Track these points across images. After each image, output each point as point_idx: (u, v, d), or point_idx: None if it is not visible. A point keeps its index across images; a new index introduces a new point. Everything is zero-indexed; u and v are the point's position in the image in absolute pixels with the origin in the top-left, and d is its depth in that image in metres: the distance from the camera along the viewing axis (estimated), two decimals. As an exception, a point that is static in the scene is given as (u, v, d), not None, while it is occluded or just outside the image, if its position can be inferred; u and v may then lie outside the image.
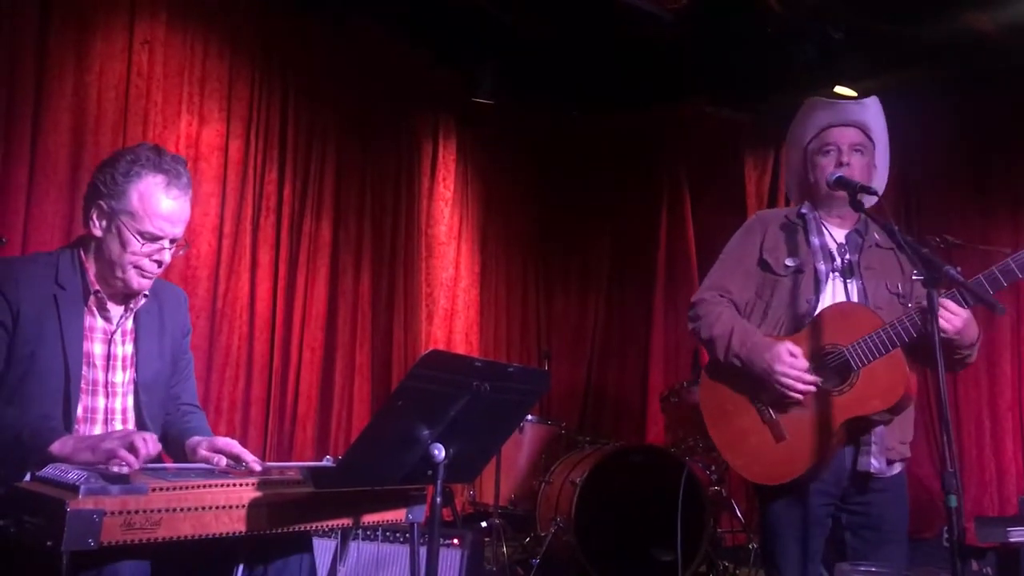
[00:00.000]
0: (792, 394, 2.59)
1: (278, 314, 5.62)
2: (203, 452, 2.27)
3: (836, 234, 2.81)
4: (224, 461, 2.22)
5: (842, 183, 2.67)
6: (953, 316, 2.49)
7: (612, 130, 7.46)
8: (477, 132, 7.11)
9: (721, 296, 2.83)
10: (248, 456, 2.22)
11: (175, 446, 2.44)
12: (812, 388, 2.59)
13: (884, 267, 2.77)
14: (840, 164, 2.76)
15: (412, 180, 6.61)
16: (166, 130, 5.04)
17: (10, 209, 4.36)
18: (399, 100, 6.53)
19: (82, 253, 2.34)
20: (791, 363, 2.59)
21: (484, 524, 5.41)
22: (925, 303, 2.33)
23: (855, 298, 2.71)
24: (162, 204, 2.28)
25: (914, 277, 2.49)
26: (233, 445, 2.26)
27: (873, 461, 2.62)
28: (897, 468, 2.70)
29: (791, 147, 2.99)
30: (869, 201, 2.76)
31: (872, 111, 2.88)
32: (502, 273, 7.36)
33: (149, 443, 2.01)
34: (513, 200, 7.48)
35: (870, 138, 2.86)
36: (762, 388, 2.66)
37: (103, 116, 4.75)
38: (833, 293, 2.72)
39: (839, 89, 5.91)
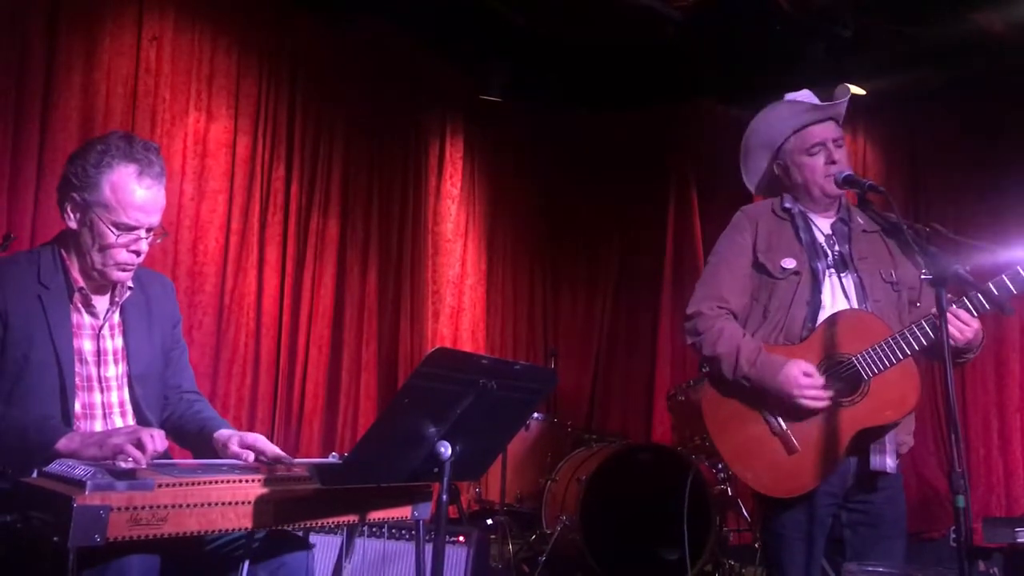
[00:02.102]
0: (813, 408, 2.57)
1: (285, 311, 5.63)
2: (234, 448, 2.26)
3: (822, 225, 2.78)
4: (252, 457, 2.22)
5: (851, 182, 2.65)
6: (965, 327, 2.47)
7: (620, 129, 7.45)
8: (485, 130, 7.11)
9: (720, 307, 2.76)
10: (277, 451, 2.21)
11: (192, 438, 2.42)
12: (828, 403, 2.56)
13: (875, 254, 2.74)
14: (832, 162, 2.71)
15: (419, 178, 6.62)
16: (174, 127, 5.05)
17: (19, 206, 4.37)
18: (407, 98, 6.53)
19: (63, 250, 2.31)
20: (808, 383, 2.54)
21: (490, 522, 5.41)
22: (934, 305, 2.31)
23: (852, 294, 2.67)
24: (136, 194, 2.24)
25: (922, 276, 2.48)
26: (262, 441, 2.25)
27: (888, 460, 2.59)
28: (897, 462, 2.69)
29: (757, 148, 2.90)
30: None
31: (845, 103, 2.83)
32: (509, 271, 7.36)
33: (156, 439, 2.01)
34: (520, 198, 7.48)
35: (840, 126, 2.82)
36: (771, 401, 2.62)
37: (111, 113, 4.76)
38: (832, 292, 2.68)
39: (847, 87, 5.88)
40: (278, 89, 5.66)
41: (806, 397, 2.55)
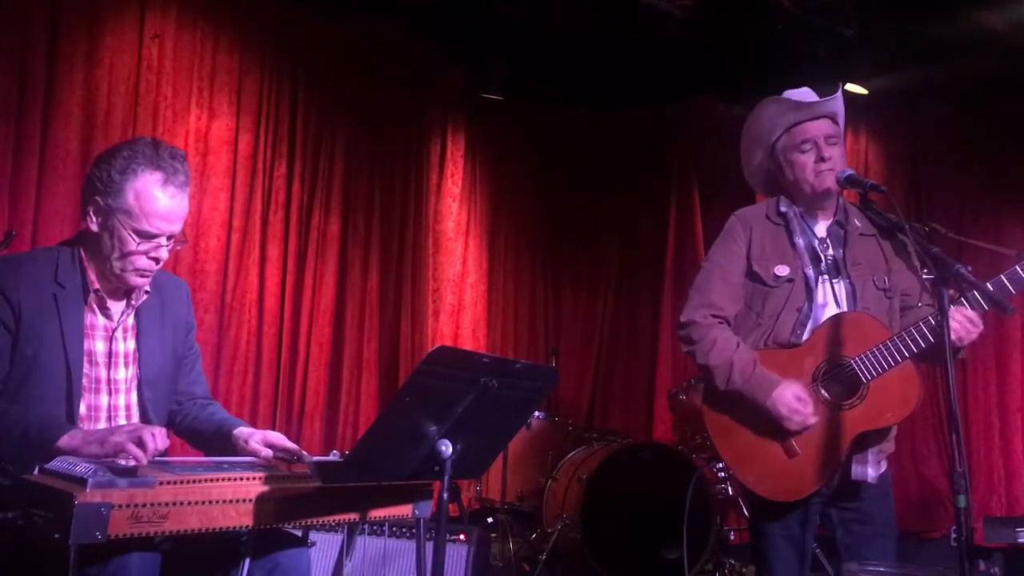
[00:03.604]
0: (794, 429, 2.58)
1: (286, 309, 5.63)
2: (254, 444, 2.28)
3: (818, 229, 2.76)
4: (271, 453, 2.24)
5: (852, 181, 2.64)
6: (972, 328, 2.47)
7: (622, 127, 7.45)
8: (486, 128, 7.10)
9: (713, 316, 2.73)
10: (295, 447, 2.25)
11: (209, 438, 2.43)
12: (809, 427, 2.57)
13: (869, 260, 2.72)
14: (821, 159, 2.70)
15: (420, 176, 6.61)
16: (176, 124, 5.05)
17: (20, 203, 4.38)
18: (408, 95, 6.53)
19: (82, 251, 2.31)
20: (798, 409, 2.54)
21: (490, 520, 5.41)
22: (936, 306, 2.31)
23: (844, 300, 2.66)
24: (159, 203, 2.23)
25: (924, 276, 2.48)
26: (283, 439, 2.28)
27: (869, 470, 2.59)
28: (883, 466, 2.67)
29: (753, 146, 2.89)
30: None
31: (839, 99, 2.80)
32: (510, 269, 7.35)
33: (157, 437, 2.01)
34: (521, 196, 7.47)
35: (837, 125, 2.80)
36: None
37: (113, 110, 4.77)
38: (824, 298, 2.67)
39: (849, 87, 5.89)
40: (279, 87, 5.67)
41: (795, 423, 2.55)
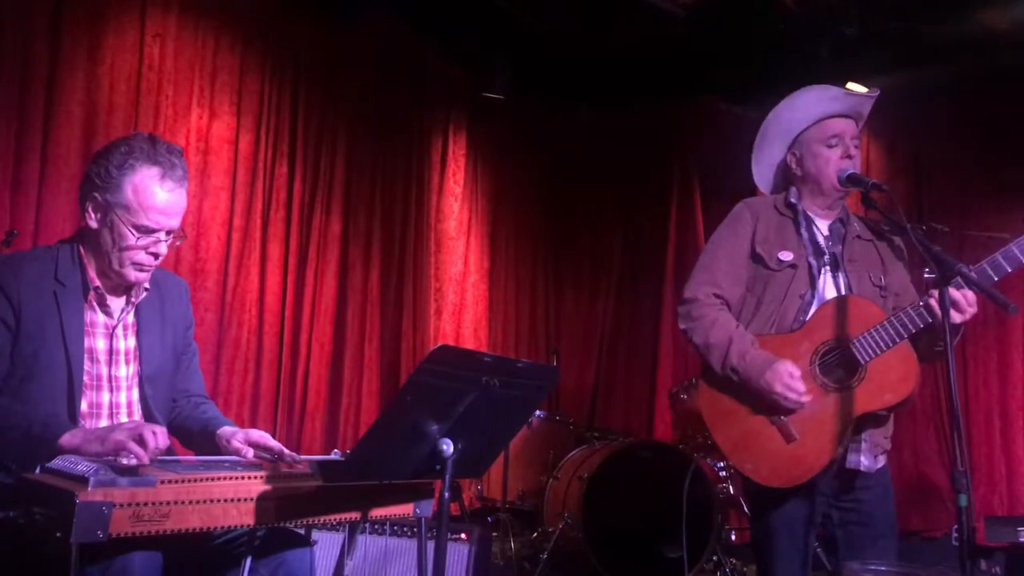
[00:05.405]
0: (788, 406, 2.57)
1: (287, 308, 5.63)
2: (236, 444, 2.27)
3: (821, 225, 2.78)
4: (251, 452, 2.23)
5: (854, 180, 2.65)
6: (968, 308, 2.47)
7: (623, 127, 7.45)
8: (487, 127, 7.11)
9: (715, 296, 2.75)
10: (279, 447, 2.23)
11: (195, 436, 2.43)
12: (803, 404, 2.56)
13: (865, 259, 2.74)
14: (847, 157, 2.71)
15: (422, 175, 6.61)
16: (177, 123, 5.05)
17: (22, 202, 4.38)
18: (410, 94, 6.53)
19: (81, 248, 2.32)
20: (789, 384, 2.54)
21: (492, 519, 5.42)
22: (933, 297, 2.32)
23: (843, 291, 2.67)
24: (157, 197, 2.24)
25: (926, 275, 2.47)
26: (266, 438, 2.26)
27: (863, 459, 2.59)
28: (882, 462, 2.67)
29: (773, 136, 2.88)
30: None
31: (871, 101, 2.81)
32: (511, 268, 7.36)
33: (158, 436, 2.01)
34: (523, 195, 7.48)
35: (858, 127, 2.82)
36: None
37: (114, 109, 4.77)
38: (825, 287, 2.69)
39: (851, 86, 5.88)
40: (281, 86, 5.66)
41: (788, 399, 2.54)
